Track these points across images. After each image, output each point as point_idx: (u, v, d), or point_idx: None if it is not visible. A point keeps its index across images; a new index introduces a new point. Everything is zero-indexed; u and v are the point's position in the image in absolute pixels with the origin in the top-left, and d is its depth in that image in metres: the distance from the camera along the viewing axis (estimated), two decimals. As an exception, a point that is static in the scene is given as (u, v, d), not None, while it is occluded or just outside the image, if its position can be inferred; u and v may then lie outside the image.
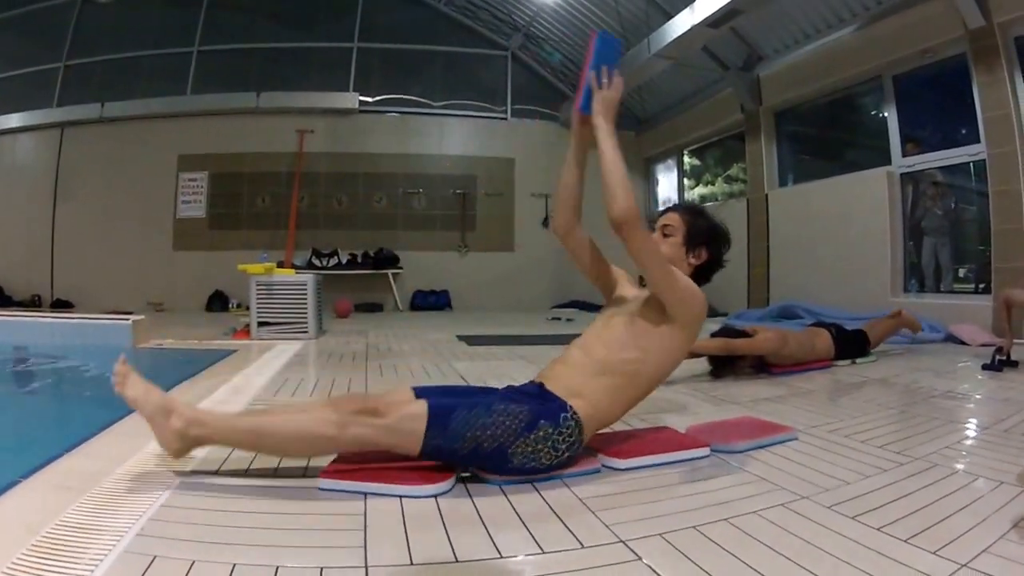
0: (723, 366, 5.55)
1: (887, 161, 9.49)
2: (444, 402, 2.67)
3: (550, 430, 2.69)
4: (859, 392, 4.93)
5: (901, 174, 9.38)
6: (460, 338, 8.63)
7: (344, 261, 14.57)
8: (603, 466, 2.95)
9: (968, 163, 8.62)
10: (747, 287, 12.25)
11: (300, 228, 14.24)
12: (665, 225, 3.31)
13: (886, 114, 9.63)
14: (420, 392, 2.89)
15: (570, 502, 2.54)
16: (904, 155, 9.34)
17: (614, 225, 2.80)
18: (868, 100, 10.48)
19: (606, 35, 3.14)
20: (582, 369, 2.98)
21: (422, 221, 15.26)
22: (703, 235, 3.29)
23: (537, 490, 2.66)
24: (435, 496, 2.55)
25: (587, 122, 3.08)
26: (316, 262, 14.20)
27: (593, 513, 2.42)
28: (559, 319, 12.11)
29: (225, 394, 4.66)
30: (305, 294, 8.42)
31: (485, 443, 2.61)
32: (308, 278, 8.59)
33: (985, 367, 5.73)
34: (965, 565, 1.95)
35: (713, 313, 11.75)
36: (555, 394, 2.86)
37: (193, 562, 1.91)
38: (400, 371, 5.98)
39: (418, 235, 15.16)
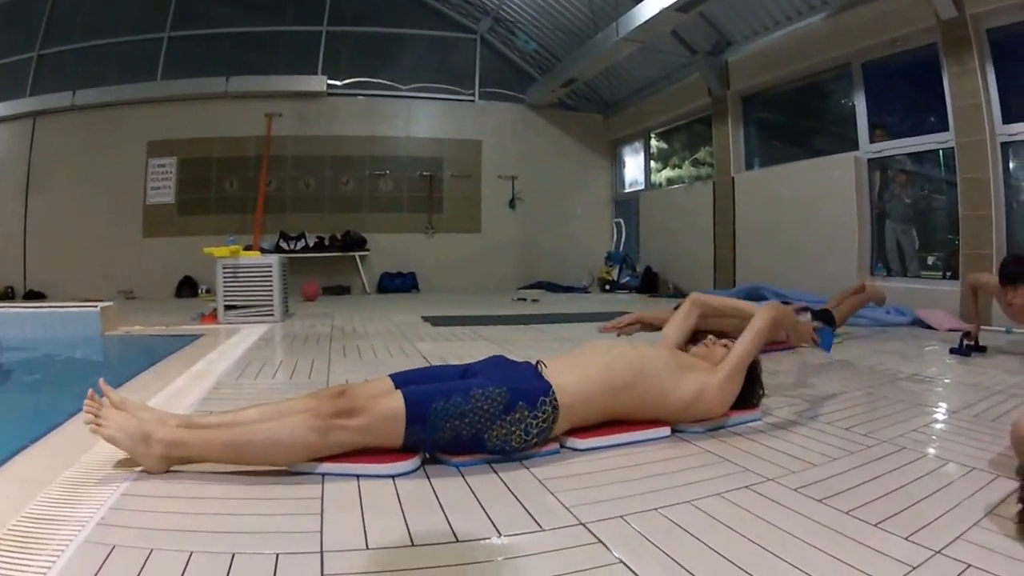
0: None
1: (855, 147, 9.44)
2: (421, 393, 2.64)
3: (526, 412, 2.68)
4: (824, 374, 4.87)
5: (868, 160, 9.33)
6: (425, 319, 8.57)
7: (311, 244, 14.36)
8: (563, 447, 2.92)
9: (937, 151, 8.61)
10: (713, 269, 12.21)
11: (268, 212, 14.06)
12: None
13: (854, 101, 9.56)
14: (398, 381, 2.88)
15: (529, 484, 2.51)
16: (872, 141, 9.30)
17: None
18: (837, 87, 10.36)
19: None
20: (581, 367, 3.02)
21: (389, 203, 15.09)
22: None
23: (496, 472, 2.61)
24: (394, 477, 2.52)
25: None
26: (284, 245, 14.00)
27: (553, 495, 2.38)
28: (524, 300, 12.07)
29: (187, 380, 4.56)
30: (271, 276, 8.27)
31: (464, 430, 2.61)
32: (273, 259, 8.48)
33: (953, 351, 5.68)
34: (939, 552, 1.89)
35: (680, 293, 11.91)
36: (545, 377, 2.88)
37: (151, 551, 1.89)
38: (364, 353, 5.90)
39: (385, 217, 14.99)
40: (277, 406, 2.74)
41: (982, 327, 5.93)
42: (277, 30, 15.19)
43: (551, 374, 2.91)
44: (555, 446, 2.87)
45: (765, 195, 10.98)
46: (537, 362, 3.03)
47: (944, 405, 4.00)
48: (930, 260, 9.26)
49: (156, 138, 14.12)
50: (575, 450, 2.89)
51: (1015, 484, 2.19)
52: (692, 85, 12.57)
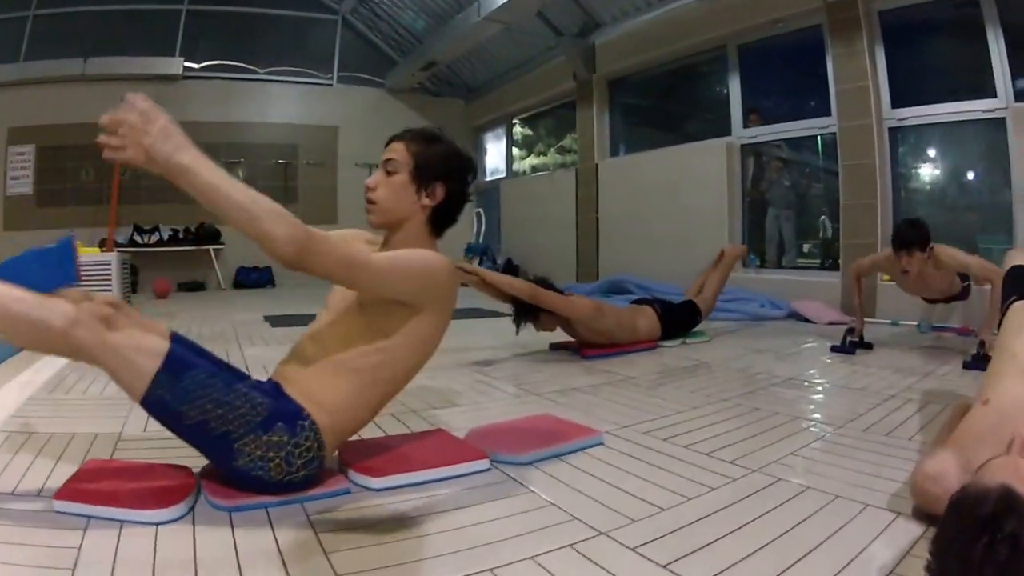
0: (525, 314, 4.92)
1: (727, 133, 9.04)
2: (188, 355, 2.18)
3: (285, 438, 2.17)
4: (687, 379, 4.22)
5: (742, 145, 8.93)
6: (267, 319, 7.86)
7: (166, 237, 13.43)
8: (353, 485, 2.35)
9: (817, 136, 8.33)
10: (576, 260, 11.74)
11: (123, 203, 13.02)
12: (388, 160, 2.55)
13: (729, 84, 9.15)
14: (176, 337, 2.29)
15: (304, 540, 1.98)
16: (746, 126, 8.91)
17: (287, 265, 2.04)
18: (710, 70, 9.96)
19: None
20: (317, 369, 2.36)
21: None
22: (436, 167, 2.56)
23: (270, 521, 2.08)
24: (157, 524, 2.03)
25: None
26: (138, 239, 13.06)
27: (326, 556, 1.85)
28: None
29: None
30: (109, 275, 7.75)
31: (212, 422, 2.12)
32: (112, 257, 7.95)
33: (835, 349, 5.18)
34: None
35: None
36: (292, 398, 2.28)
37: None
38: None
39: None
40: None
41: (866, 320, 5.53)
42: (138, 8, 13.96)
43: (293, 393, 2.29)
44: (344, 484, 2.30)
45: (631, 183, 10.52)
46: (276, 384, 2.36)
47: (826, 416, 3.36)
48: (805, 248, 9.00)
49: (17, 124, 13.03)
50: (368, 490, 2.29)
51: (918, 527, 1.92)
52: (557, 68, 12.07)
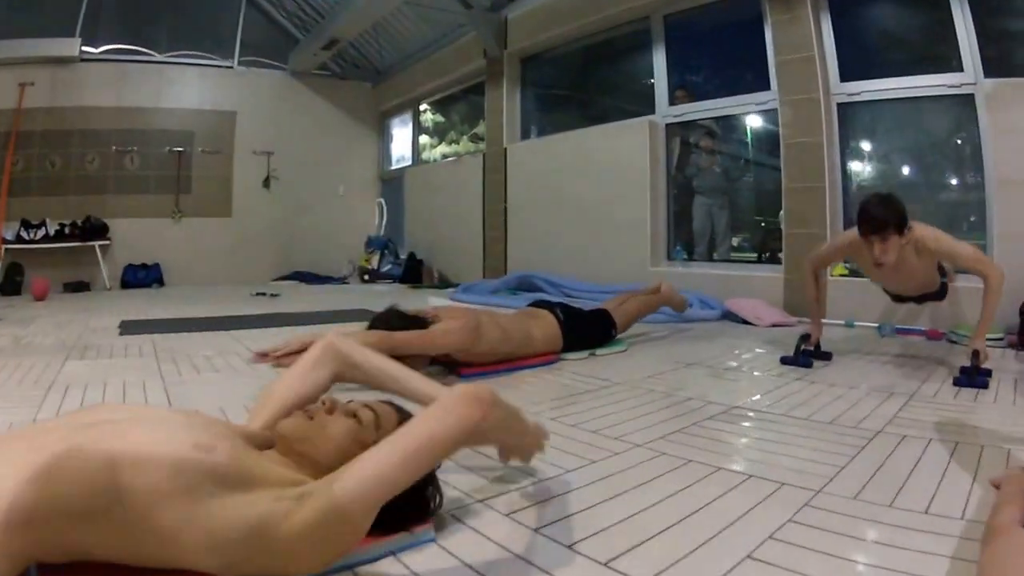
0: None
1: (651, 111, 8.14)
2: None
3: None
4: (588, 409, 3.12)
5: (667, 125, 8.02)
6: (123, 325, 6.64)
7: (52, 233, 12.31)
8: None
9: (754, 114, 7.48)
10: (483, 254, 10.85)
11: (13, 195, 12.06)
12: None
13: (653, 59, 8.26)
14: None
15: None
16: (672, 104, 8.00)
17: None
18: (633, 44, 9.00)
19: None
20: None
21: (134, 183, 13.17)
22: None
23: None
24: None
25: None
26: (24, 235, 12.01)
27: None
28: (264, 294, 10.37)
29: None
30: None
31: None
32: None
33: (785, 360, 4.16)
34: None
35: (445, 284, 10.79)
36: None
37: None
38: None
39: (130, 200, 13.11)
40: None
41: (823, 322, 4.51)
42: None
43: None
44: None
45: (543, 169, 9.60)
46: None
47: (796, 475, 2.21)
48: (735, 241, 8.14)
49: (-86, 113, 12.09)
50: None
51: None
52: (467, 46, 11.18)
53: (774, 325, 5.84)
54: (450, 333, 3.68)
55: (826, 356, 4.22)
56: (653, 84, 8.12)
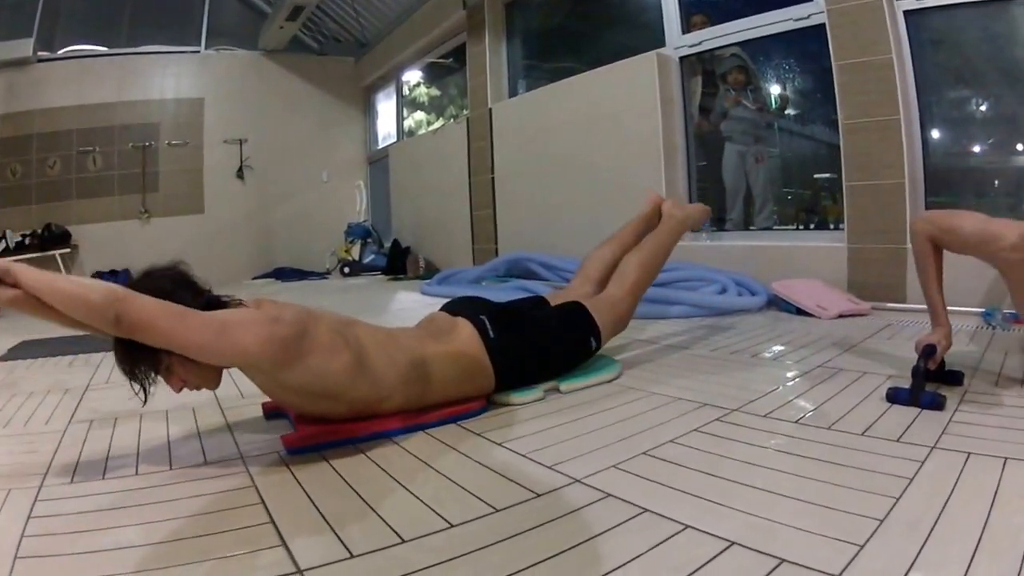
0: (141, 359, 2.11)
1: (660, 44, 6.57)
2: None
3: None
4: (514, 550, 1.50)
5: (681, 58, 6.44)
6: (21, 347, 5.31)
7: (13, 245, 11.75)
8: None
9: (794, 33, 5.64)
10: (471, 235, 9.71)
11: None
12: None
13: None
14: None
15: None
16: (686, 32, 6.39)
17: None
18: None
19: None
20: None
21: (98, 185, 12.59)
22: None
23: None
24: None
25: None
26: None
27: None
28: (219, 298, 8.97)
29: None
30: None
31: None
32: None
33: (899, 398, 2.30)
34: None
35: (432, 274, 9.60)
36: None
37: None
38: None
39: (94, 203, 12.54)
40: None
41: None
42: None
43: None
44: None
45: (531, 128, 8.18)
46: None
47: None
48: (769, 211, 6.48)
49: None
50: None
51: None
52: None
53: (841, 315, 4.28)
54: (229, 329, 1.96)
55: (954, 379, 2.46)
56: (661, 11, 6.57)
